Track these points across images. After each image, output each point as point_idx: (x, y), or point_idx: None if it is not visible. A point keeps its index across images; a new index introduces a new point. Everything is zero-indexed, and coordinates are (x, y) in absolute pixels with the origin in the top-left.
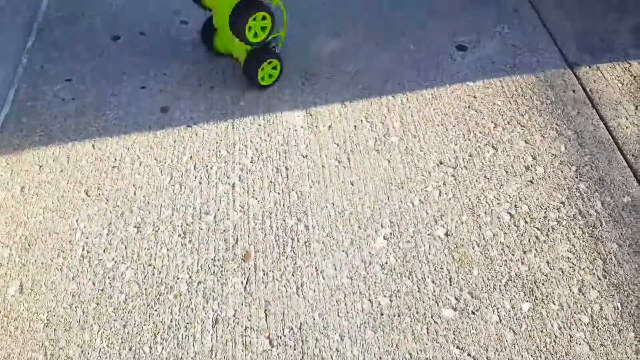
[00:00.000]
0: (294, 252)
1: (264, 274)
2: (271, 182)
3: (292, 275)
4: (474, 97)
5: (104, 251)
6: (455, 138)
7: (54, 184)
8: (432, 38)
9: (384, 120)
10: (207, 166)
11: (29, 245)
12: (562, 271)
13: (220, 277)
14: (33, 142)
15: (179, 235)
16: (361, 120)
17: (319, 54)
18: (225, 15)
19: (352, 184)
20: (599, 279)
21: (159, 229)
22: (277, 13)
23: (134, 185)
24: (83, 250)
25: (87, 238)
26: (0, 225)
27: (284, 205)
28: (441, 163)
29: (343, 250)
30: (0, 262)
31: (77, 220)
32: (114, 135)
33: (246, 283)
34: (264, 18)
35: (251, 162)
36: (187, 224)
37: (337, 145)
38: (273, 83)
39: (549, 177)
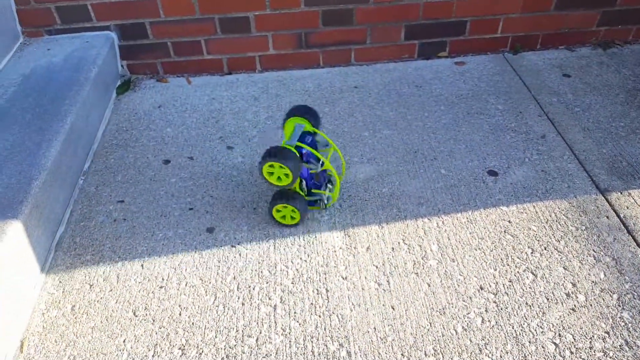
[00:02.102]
0: None
1: None
2: (312, 304)
3: None
4: (509, 221)
5: None
6: (493, 263)
7: (103, 303)
8: (463, 164)
9: (421, 243)
10: (249, 287)
11: None
12: None
13: None
14: (85, 260)
15: (222, 359)
16: (399, 243)
17: (355, 178)
18: None
19: (393, 308)
20: None
21: (202, 351)
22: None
23: (179, 306)
24: None
25: (133, 359)
26: (50, 343)
27: (325, 329)
28: (482, 288)
29: None
30: None
31: (124, 341)
32: (162, 255)
33: None
34: (281, 167)
35: (292, 283)
36: (230, 347)
37: (376, 267)
38: (292, 225)
39: (591, 305)
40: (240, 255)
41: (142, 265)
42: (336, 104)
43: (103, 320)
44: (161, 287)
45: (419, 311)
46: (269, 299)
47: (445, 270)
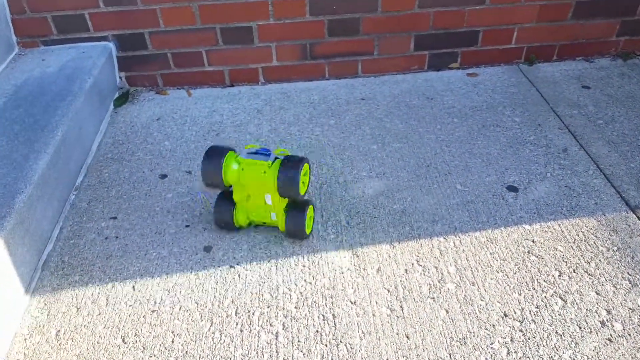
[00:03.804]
0: None
1: None
2: (317, 331)
3: None
4: (533, 241)
5: None
6: (518, 287)
7: (90, 329)
8: (480, 179)
9: (437, 264)
10: (249, 311)
11: None
12: None
13: None
14: (73, 281)
15: None
16: (412, 264)
17: (363, 193)
18: (254, 185)
19: (407, 337)
20: None
21: None
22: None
23: (172, 332)
24: None
25: None
26: None
27: None
28: (506, 315)
29: None
30: None
31: None
32: (155, 276)
33: None
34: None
35: (296, 307)
36: None
37: (388, 291)
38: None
39: (630, 334)
40: (239, 276)
41: (133, 287)
42: (342, 116)
43: (89, 347)
44: (153, 311)
45: (436, 341)
46: (270, 325)
47: (465, 295)
